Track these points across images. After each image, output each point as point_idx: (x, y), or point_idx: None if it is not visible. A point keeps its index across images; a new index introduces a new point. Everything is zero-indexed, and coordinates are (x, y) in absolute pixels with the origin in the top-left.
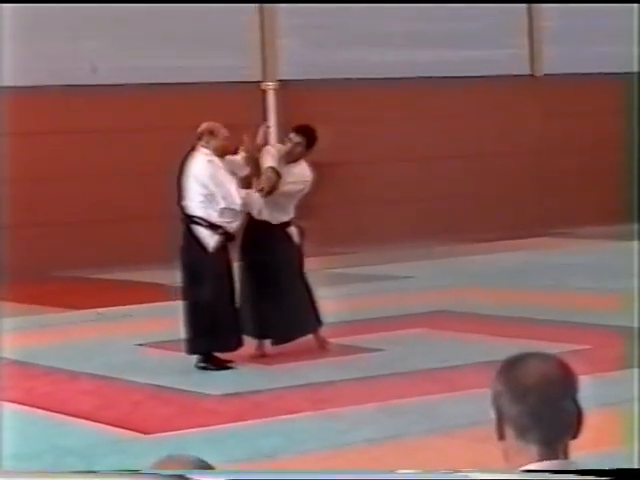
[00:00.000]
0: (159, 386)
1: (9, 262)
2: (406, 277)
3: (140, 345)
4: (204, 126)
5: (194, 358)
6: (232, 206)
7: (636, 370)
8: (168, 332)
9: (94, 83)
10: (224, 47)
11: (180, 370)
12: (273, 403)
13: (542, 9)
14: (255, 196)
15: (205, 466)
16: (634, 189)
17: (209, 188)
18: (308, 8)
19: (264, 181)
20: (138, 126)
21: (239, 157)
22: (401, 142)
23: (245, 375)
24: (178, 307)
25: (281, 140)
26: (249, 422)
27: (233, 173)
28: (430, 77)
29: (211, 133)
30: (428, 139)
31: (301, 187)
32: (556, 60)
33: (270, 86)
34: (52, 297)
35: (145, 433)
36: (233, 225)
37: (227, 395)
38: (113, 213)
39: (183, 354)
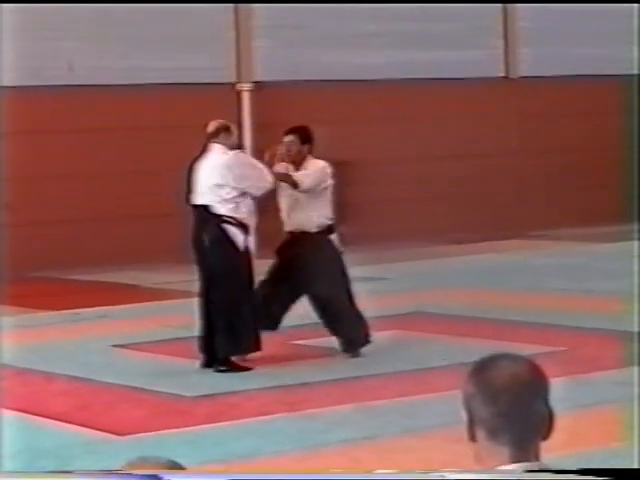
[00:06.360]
0: (134, 387)
1: None
2: (381, 278)
3: (115, 346)
4: (218, 124)
5: (169, 359)
6: (267, 185)
7: (611, 372)
8: (143, 333)
9: (72, 83)
10: (200, 48)
11: (155, 371)
12: (247, 404)
13: (517, 10)
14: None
15: (177, 468)
16: (612, 191)
17: (241, 183)
18: (283, 9)
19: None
20: (114, 126)
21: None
22: (375, 144)
23: (219, 376)
24: (152, 308)
25: (256, 141)
26: (224, 423)
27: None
28: (405, 79)
29: (227, 130)
30: (403, 141)
31: (318, 181)
32: (532, 62)
33: (245, 87)
34: (28, 298)
35: (119, 434)
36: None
37: (201, 396)
38: (88, 213)
39: (158, 355)
